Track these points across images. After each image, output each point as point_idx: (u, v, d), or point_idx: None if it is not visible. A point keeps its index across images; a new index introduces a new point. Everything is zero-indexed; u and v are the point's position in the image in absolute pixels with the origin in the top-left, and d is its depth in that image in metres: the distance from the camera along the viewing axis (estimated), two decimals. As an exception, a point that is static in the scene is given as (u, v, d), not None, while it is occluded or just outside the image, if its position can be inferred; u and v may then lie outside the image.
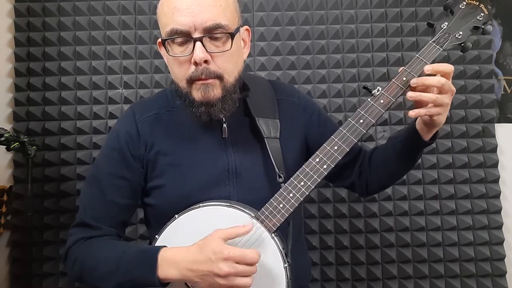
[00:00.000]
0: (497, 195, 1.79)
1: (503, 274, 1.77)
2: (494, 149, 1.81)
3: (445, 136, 1.80)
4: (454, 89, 0.95)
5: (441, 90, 0.93)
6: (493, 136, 1.82)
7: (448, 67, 0.94)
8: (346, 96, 1.83)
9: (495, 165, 1.81)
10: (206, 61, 0.95)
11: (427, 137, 1.02)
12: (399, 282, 1.77)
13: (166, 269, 0.92)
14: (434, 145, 1.79)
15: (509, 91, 1.85)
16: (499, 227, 1.78)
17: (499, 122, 1.84)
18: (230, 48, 0.97)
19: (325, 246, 1.78)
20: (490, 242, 1.77)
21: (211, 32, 0.95)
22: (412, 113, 0.94)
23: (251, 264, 0.88)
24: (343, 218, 1.80)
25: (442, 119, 0.97)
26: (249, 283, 0.88)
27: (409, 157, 1.09)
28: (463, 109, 1.82)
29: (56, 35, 1.81)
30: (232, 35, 0.97)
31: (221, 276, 0.86)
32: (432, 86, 0.94)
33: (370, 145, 1.79)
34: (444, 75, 0.93)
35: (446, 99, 0.94)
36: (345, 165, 1.17)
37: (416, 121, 1.02)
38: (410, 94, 0.94)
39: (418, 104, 0.96)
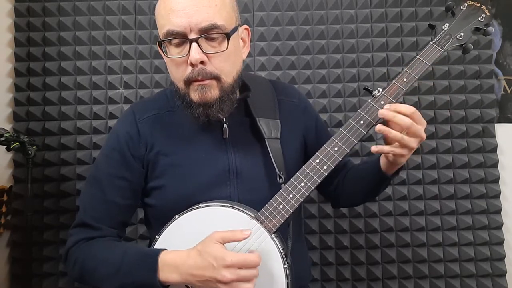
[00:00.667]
0: (497, 195, 1.79)
1: (503, 274, 1.76)
2: (494, 149, 1.81)
3: (445, 136, 1.80)
4: (423, 135, 0.93)
5: (408, 132, 0.92)
6: (493, 136, 1.82)
7: (407, 109, 0.92)
8: (346, 96, 1.83)
9: (495, 165, 1.81)
10: (202, 62, 0.95)
11: (390, 171, 1.03)
12: (399, 282, 1.77)
13: (167, 272, 0.92)
14: (434, 145, 1.79)
15: (509, 91, 1.85)
16: (499, 227, 1.78)
17: (499, 122, 1.84)
18: (227, 48, 0.96)
19: (325, 246, 1.78)
20: (490, 242, 1.77)
21: (207, 33, 0.95)
22: (374, 148, 0.94)
23: (253, 267, 0.88)
24: (343, 218, 1.79)
25: (403, 160, 0.97)
26: None
27: (372, 186, 1.12)
28: (463, 109, 1.81)
29: (56, 35, 1.81)
30: (228, 35, 0.96)
31: (224, 283, 0.86)
32: (398, 124, 0.92)
33: (370, 145, 1.79)
34: (410, 117, 0.92)
35: (413, 143, 0.93)
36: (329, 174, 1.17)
37: (380, 156, 1.04)
38: (379, 127, 0.93)
39: (385, 138, 0.96)
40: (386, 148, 0.95)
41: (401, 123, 0.91)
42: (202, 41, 0.95)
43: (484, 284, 1.76)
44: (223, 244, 0.90)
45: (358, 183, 1.15)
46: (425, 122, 0.95)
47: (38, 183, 1.75)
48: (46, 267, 1.75)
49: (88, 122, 1.80)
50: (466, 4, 1.01)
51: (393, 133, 0.92)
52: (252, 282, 0.88)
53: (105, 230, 1.06)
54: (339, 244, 1.79)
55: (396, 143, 0.93)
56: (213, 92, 0.98)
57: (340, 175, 1.20)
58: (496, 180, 1.80)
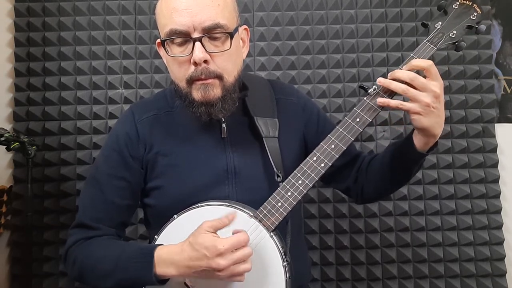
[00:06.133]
0: (497, 195, 1.79)
1: (503, 274, 1.76)
2: (494, 149, 1.81)
3: (445, 136, 1.80)
4: (435, 89, 0.91)
5: (412, 85, 0.91)
6: (493, 136, 1.82)
7: (424, 63, 0.92)
8: (346, 96, 1.83)
9: (495, 165, 1.81)
10: (205, 61, 0.95)
11: (424, 148, 0.98)
12: (399, 282, 1.77)
13: (163, 267, 0.93)
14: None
15: (509, 91, 1.85)
16: (499, 227, 1.78)
17: (499, 122, 1.84)
18: (230, 47, 0.97)
19: (325, 246, 1.78)
20: (490, 242, 1.77)
21: (210, 32, 0.95)
22: (380, 99, 0.94)
23: (245, 246, 0.89)
24: (343, 218, 1.80)
25: (425, 122, 0.92)
26: (249, 267, 0.89)
27: (403, 167, 1.06)
28: (463, 109, 1.81)
29: (56, 35, 1.81)
30: (231, 35, 0.97)
31: (221, 270, 0.87)
32: (402, 79, 0.92)
33: (370, 145, 1.80)
34: (426, 72, 0.92)
35: (424, 97, 0.90)
36: (341, 168, 1.16)
37: (414, 131, 1.00)
38: (379, 79, 0.94)
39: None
40: (393, 101, 0.93)
41: (403, 78, 0.92)
42: (205, 40, 0.95)
43: (484, 284, 1.76)
44: (214, 232, 0.91)
45: (387, 169, 1.08)
46: (440, 80, 0.92)
47: (38, 183, 1.76)
48: (46, 267, 1.75)
49: (88, 122, 1.80)
50: (458, 3, 1.02)
51: (393, 84, 0.92)
52: (248, 261, 0.89)
53: (105, 230, 1.06)
54: (339, 244, 1.79)
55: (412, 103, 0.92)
56: (216, 91, 0.98)
57: (355, 168, 1.17)
58: (496, 180, 1.80)
